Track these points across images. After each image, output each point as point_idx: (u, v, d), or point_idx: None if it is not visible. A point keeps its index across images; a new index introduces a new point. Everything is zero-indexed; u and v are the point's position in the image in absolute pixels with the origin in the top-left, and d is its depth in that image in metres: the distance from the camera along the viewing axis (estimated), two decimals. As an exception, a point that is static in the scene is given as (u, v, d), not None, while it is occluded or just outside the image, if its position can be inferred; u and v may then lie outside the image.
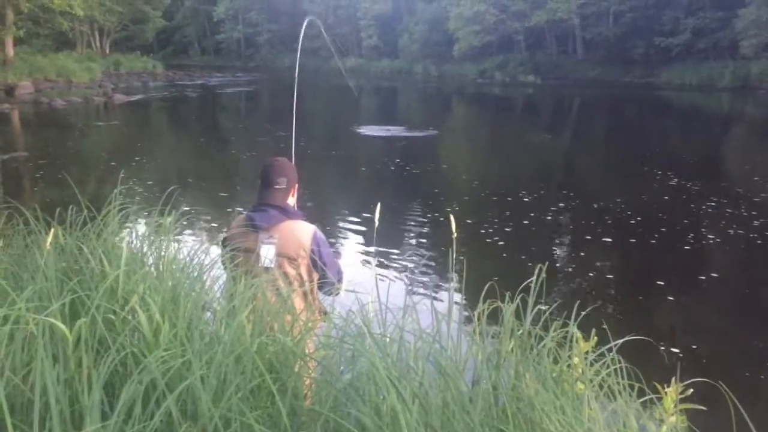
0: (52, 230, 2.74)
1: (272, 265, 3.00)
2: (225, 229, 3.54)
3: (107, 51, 54.87)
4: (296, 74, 4.23)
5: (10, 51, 33.83)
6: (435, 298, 6.14)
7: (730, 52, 41.20)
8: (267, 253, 3.01)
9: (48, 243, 2.64)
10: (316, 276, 3.13)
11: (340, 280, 3.20)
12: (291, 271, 3.06)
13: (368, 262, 7.44)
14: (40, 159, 13.95)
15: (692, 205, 10.30)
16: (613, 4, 46.63)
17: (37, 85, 31.47)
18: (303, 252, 3.08)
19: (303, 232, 3.11)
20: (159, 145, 18.01)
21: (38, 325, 1.86)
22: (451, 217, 2.85)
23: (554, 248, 8.36)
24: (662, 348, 5.06)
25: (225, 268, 2.96)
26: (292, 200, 3.24)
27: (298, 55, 4.57)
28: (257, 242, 3.03)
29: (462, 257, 3.53)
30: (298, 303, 2.94)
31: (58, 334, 1.94)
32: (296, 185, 3.27)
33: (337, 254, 4.71)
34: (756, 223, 9.17)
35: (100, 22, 50.18)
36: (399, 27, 61.95)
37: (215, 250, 3.35)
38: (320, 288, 3.16)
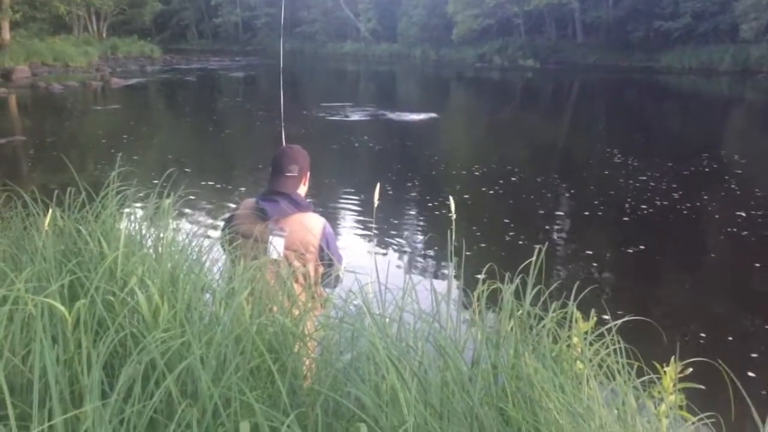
0: (50, 212, 2.73)
1: (280, 257, 2.96)
2: (227, 211, 3.53)
3: (104, 35, 54.37)
4: (281, 45, 4.17)
5: (7, 35, 33.56)
6: (435, 278, 6.15)
7: (730, 35, 40.93)
8: (276, 244, 2.97)
9: (46, 225, 2.63)
10: (321, 268, 3.11)
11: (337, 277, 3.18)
12: (297, 264, 3.04)
13: (368, 242, 7.44)
14: (37, 143, 13.93)
15: (693, 188, 10.29)
16: (613, -14, 46.41)
17: (34, 69, 31.21)
18: (312, 248, 3.05)
19: (313, 226, 3.07)
20: (156, 129, 17.94)
21: (37, 306, 1.86)
22: (451, 199, 2.84)
23: (553, 228, 8.36)
24: (661, 328, 5.08)
25: (224, 250, 2.95)
26: (303, 189, 3.18)
27: (282, 24, 4.48)
28: (258, 229, 2.99)
29: (461, 237, 3.53)
30: (298, 289, 2.93)
31: (57, 315, 1.94)
32: (308, 173, 3.22)
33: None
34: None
35: (97, 6, 49.64)
36: (398, 11, 61.48)
37: (214, 233, 3.34)
38: (323, 279, 3.13)
